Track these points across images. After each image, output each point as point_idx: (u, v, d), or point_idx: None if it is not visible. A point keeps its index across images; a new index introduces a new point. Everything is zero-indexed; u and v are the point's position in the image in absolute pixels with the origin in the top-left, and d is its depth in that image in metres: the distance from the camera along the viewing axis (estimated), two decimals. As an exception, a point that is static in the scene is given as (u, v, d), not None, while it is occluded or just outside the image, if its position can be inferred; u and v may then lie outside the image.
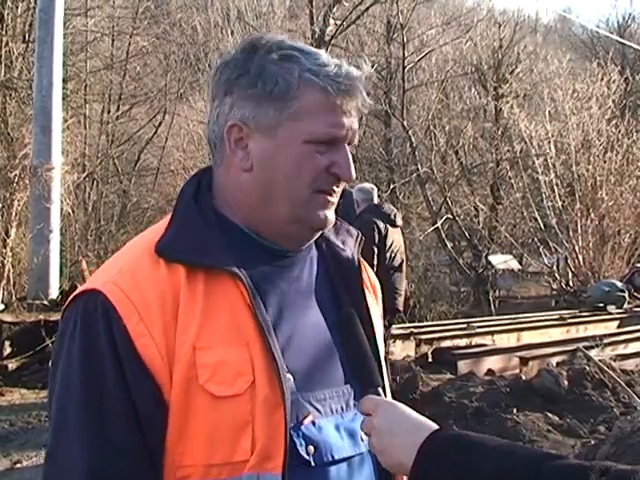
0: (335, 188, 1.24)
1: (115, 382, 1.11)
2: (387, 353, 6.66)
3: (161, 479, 1.13)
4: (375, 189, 6.78)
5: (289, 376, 1.16)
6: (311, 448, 1.17)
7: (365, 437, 1.23)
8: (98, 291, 1.15)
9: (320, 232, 1.29)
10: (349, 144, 1.24)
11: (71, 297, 1.20)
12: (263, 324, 1.15)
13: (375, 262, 6.11)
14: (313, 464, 1.17)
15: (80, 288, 1.21)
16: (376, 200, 6.73)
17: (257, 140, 1.20)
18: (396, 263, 6.40)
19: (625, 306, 12.76)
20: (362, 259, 1.38)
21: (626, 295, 12.88)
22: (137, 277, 1.16)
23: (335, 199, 1.26)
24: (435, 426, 1.15)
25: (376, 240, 6.22)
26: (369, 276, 1.41)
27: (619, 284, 13.23)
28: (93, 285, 1.18)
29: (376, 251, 6.19)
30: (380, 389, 1.25)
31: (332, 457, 1.19)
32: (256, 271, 1.20)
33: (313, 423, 1.18)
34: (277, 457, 1.13)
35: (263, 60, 1.20)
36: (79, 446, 1.10)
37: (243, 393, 1.12)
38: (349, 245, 1.36)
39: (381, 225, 6.30)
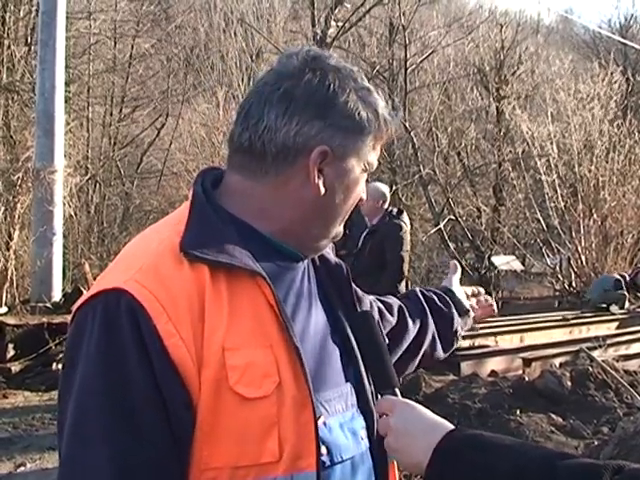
0: None
1: (140, 369, 1.07)
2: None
3: (187, 474, 1.11)
4: (388, 189, 6.63)
5: None
6: (324, 449, 1.17)
7: (365, 436, 1.25)
8: (120, 289, 1.09)
9: None
10: None
11: (84, 297, 1.13)
12: (288, 325, 1.15)
13: (403, 266, 6.07)
14: (328, 464, 1.17)
15: (95, 288, 1.13)
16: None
17: (333, 166, 1.23)
18: (406, 269, 6.40)
19: (627, 306, 12.76)
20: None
21: (626, 293, 12.88)
22: (162, 276, 1.12)
23: None
24: (451, 426, 1.16)
25: (407, 247, 6.12)
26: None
27: (615, 276, 13.24)
28: (112, 284, 1.11)
29: (406, 258, 6.10)
30: (397, 390, 1.26)
31: (341, 457, 1.20)
32: (271, 271, 1.20)
33: (324, 424, 1.18)
34: (309, 455, 1.13)
35: (356, 92, 1.25)
36: (102, 439, 1.05)
37: (270, 394, 1.12)
38: (329, 251, 1.40)
39: (409, 231, 6.25)
